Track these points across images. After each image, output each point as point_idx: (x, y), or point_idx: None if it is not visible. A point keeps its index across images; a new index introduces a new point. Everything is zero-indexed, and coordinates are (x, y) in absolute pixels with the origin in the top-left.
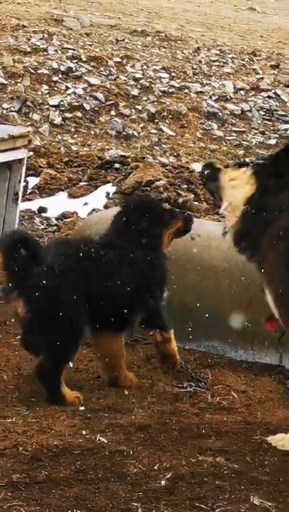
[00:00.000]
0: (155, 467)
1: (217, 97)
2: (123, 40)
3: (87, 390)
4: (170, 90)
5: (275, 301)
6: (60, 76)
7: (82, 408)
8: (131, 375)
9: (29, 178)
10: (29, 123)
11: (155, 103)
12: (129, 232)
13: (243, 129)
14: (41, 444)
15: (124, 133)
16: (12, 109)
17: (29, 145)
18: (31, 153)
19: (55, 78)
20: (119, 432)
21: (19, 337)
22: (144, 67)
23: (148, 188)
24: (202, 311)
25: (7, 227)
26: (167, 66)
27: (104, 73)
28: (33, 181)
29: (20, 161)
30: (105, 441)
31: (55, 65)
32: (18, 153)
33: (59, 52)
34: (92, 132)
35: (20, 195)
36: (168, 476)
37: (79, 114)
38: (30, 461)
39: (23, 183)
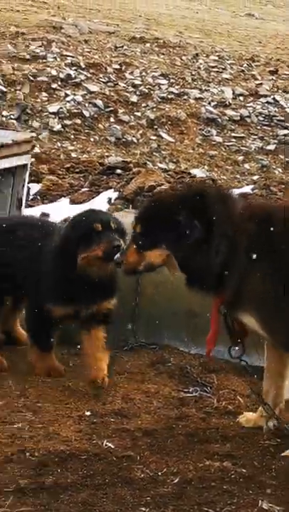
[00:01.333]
0: (162, 472)
1: (216, 102)
2: (122, 46)
3: (93, 394)
4: (169, 96)
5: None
6: (59, 83)
7: (88, 413)
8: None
9: (31, 185)
10: (29, 130)
11: (154, 109)
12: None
13: (242, 135)
14: (48, 449)
15: (124, 139)
16: (12, 116)
17: (32, 150)
18: (33, 159)
19: (54, 85)
20: (125, 437)
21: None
22: (143, 73)
23: (150, 194)
24: (207, 316)
25: None
26: (166, 72)
27: (104, 80)
28: (35, 188)
29: (24, 166)
30: (112, 447)
31: (54, 72)
32: (22, 158)
33: (58, 59)
34: (92, 139)
35: (24, 200)
36: (175, 481)
37: (78, 121)
38: (37, 466)
39: (26, 189)
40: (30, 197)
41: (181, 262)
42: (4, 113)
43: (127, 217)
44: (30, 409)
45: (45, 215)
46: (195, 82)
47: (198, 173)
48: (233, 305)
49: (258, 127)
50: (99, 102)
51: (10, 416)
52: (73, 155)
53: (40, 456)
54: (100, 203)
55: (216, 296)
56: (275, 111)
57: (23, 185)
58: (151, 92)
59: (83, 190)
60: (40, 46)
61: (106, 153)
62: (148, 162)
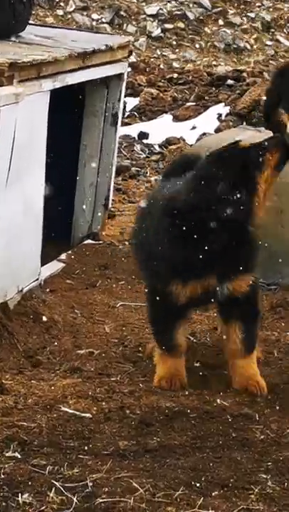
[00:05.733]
0: (285, 433)
1: None
2: None
3: (202, 344)
4: None
5: None
6: None
7: (197, 365)
8: None
9: (127, 99)
10: (123, 36)
11: (270, 9)
12: None
13: None
14: (151, 406)
15: (234, 45)
16: (103, 20)
17: (129, 57)
18: (129, 69)
19: None
20: (242, 393)
21: (122, 282)
22: None
23: None
24: None
25: (105, 154)
26: None
27: None
28: (132, 102)
29: (120, 76)
30: (226, 404)
31: None
32: (117, 67)
33: None
34: (197, 45)
35: (120, 116)
36: None
37: (181, 24)
38: (138, 426)
39: (122, 103)
40: (127, 113)
41: None
42: (94, 16)
43: (241, 136)
44: (129, 360)
45: (143, 134)
46: None
47: None
48: None
49: None
50: (205, 2)
51: (107, 368)
52: (175, 64)
53: (142, 414)
54: (208, 119)
55: None
56: None
57: (119, 99)
58: None
59: (188, 104)
60: None
61: (214, 62)
62: (264, 72)
